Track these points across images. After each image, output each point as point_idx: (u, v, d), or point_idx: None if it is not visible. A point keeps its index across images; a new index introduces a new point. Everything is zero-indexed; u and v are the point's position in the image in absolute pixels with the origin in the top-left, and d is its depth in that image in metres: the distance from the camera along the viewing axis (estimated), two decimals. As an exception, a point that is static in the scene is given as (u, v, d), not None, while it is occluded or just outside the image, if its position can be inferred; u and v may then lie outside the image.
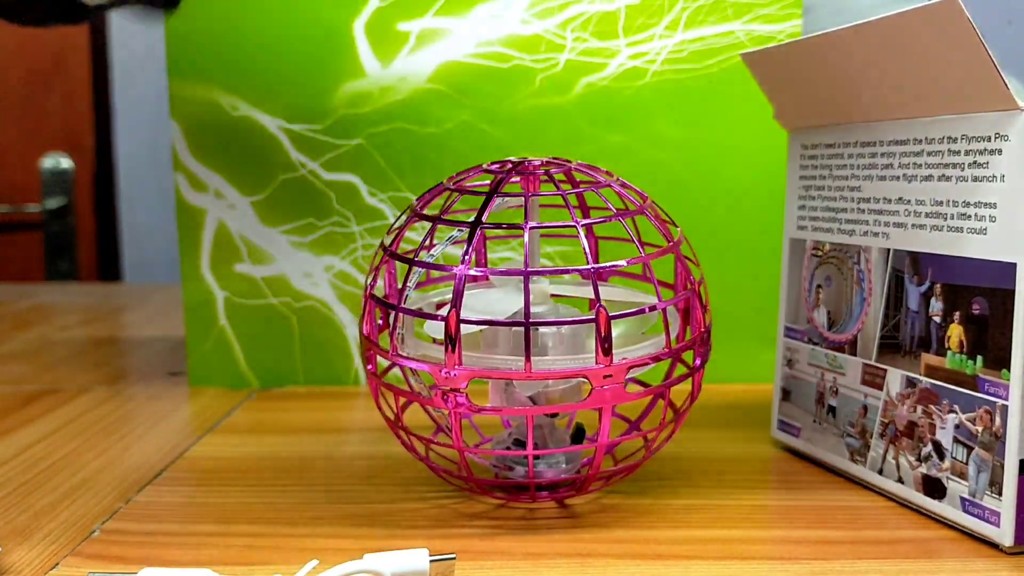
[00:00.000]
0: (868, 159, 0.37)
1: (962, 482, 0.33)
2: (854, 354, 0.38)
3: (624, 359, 0.32)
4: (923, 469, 0.35)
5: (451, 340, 0.31)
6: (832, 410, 0.39)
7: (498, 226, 0.34)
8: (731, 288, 0.53)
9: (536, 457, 0.36)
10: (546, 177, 0.35)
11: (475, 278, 0.39)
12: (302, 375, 0.54)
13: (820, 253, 0.39)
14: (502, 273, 0.35)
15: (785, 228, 0.42)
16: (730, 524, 0.35)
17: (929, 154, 0.34)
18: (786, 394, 0.42)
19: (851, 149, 0.37)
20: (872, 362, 0.37)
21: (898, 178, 0.35)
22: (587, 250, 0.32)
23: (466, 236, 0.32)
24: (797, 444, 0.41)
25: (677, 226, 0.36)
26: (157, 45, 1.30)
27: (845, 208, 0.38)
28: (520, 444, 0.37)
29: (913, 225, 0.35)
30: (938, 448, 0.34)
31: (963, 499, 0.33)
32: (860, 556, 0.32)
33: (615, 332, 0.36)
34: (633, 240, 0.34)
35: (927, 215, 0.34)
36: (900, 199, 0.35)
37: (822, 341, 0.39)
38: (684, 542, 0.33)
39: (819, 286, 0.39)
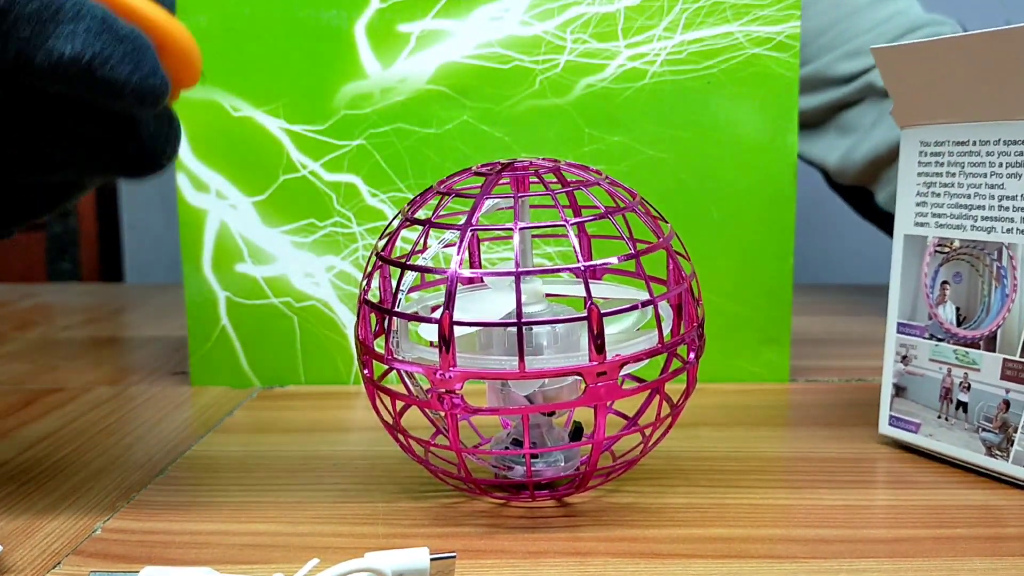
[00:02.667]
0: (1015, 157, 0.37)
1: None
2: (992, 350, 0.38)
3: (617, 355, 0.33)
4: None
5: (445, 342, 0.32)
6: (962, 406, 0.39)
7: (488, 228, 0.34)
8: (731, 288, 0.53)
9: (534, 456, 0.37)
10: (535, 178, 0.35)
11: (469, 280, 0.39)
12: (303, 375, 0.54)
13: (947, 250, 0.39)
14: (493, 274, 0.36)
15: (897, 224, 0.42)
16: (730, 523, 0.35)
17: None
18: (899, 390, 0.42)
19: (990, 147, 0.38)
20: (1017, 358, 0.37)
21: None
22: (577, 249, 0.33)
23: (457, 238, 0.33)
24: (915, 440, 0.41)
25: (667, 222, 0.36)
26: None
27: (982, 205, 0.38)
28: (518, 444, 0.37)
29: None
30: None
31: None
32: (861, 555, 0.32)
33: (614, 330, 0.36)
34: (623, 237, 0.34)
35: None
36: None
37: (949, 337, 0.39)
38: (683, 541, 0.34)
39: (944, 282, 0.40)
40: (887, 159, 0.67)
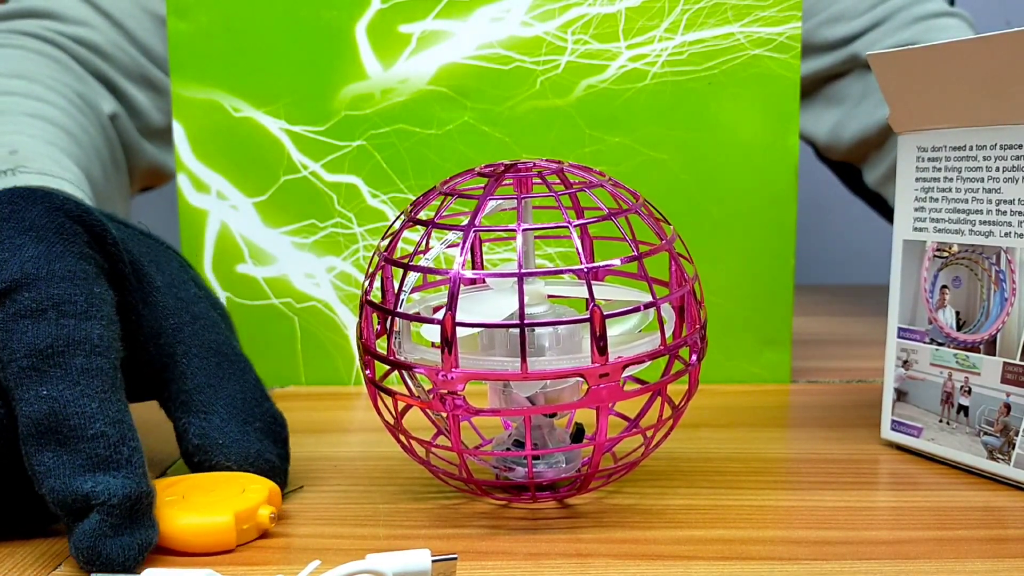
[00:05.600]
0: (1011, 161, 0.37)
1: None
2: (992, 354, 0.38)
3: (620, 357, 0.33)
4: None
5: (447, 343, 0.32)
6: (963, 410, 0.39)
7: (491, 229, 0.34)
8: (731, 289, 0.53)
9: (536, 457, 0.37)
10: (538, 179, 0.35)
11: (471, 280, 0.39)
12: (304, 376, 0.54)
13: (946, 254, 0.40)
14: (496, 275, 0.35)
15: (896, 230, 0.42)
16: (732, 524, 0.35)
17: None
18: (901, 395, 0.42)
19: (987, 152, 0.38)
20: (1017, 361, 0.37)
21: None
22: (580, 250, 0.33)
23: (460, 239, 0.33)
24: (917, 444, 0.41)
25: (670, 224, 0.36)
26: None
27: (979, 210, 0.38)
28: (520, 445, 0.37)
29: None
30: None
31: None
32: (862, 556, 0.32)
33: (617, 332, 0.36)
34: (626, 239, 0.34)
35: None
36: None
37: (949, 341, 0.40)
38: (685, 542, 0.34)
39: (944, 287, 0.40)
40: (876, 140, 0.66)
